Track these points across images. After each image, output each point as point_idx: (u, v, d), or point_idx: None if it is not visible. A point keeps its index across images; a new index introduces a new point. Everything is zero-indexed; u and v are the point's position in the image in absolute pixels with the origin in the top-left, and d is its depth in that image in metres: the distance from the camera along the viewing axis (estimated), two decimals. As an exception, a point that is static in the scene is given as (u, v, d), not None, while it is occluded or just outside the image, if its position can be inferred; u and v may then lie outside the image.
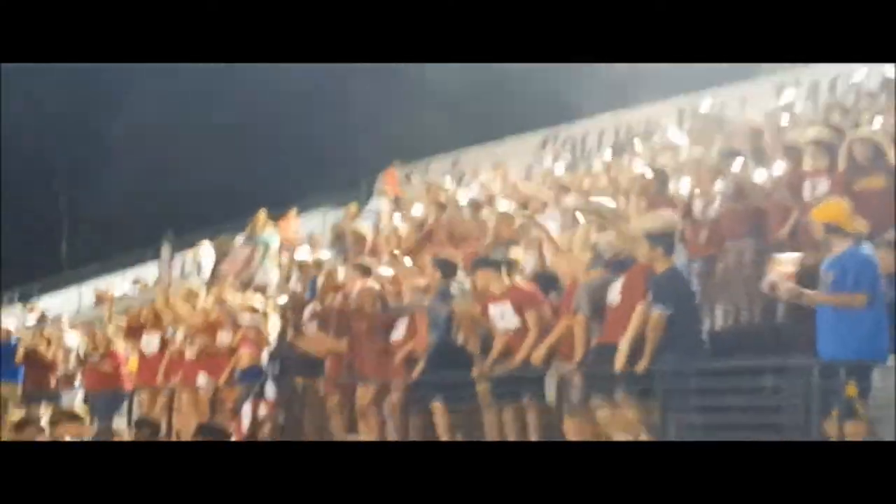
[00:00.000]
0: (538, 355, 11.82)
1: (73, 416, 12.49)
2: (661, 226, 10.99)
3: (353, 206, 27.74)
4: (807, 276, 9.85)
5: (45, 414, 17.93)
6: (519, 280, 12.52)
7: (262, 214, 26.66)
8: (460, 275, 13.62)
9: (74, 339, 20.31)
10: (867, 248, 9.74)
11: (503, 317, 12.13)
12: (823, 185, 12.31)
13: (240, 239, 33.32)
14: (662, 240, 10.79)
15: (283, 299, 16.98)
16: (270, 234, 24.61)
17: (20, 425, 13.30)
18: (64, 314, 25.19)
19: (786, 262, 9.81)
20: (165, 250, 17.86)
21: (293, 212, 28.67)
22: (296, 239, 25.37)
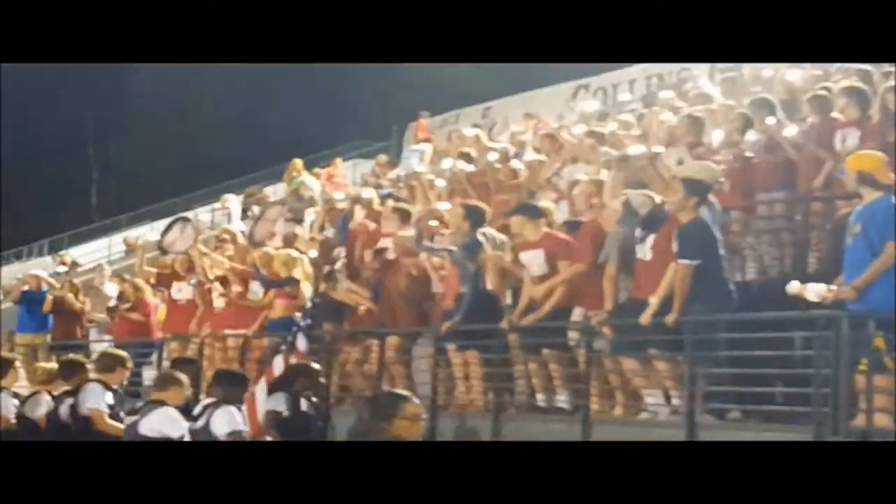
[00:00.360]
0: (556, 300, 11.83)
1: (118, 359, 12.57)
2: (705, 175, 10.94)
3: (382, 157, 27.68)
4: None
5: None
6: (554, 229, 12.49)
7: (297, 162, 26.69)
8: (487, 226, 13.58)
9: (113, 289, 20.31)
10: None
11: (534, 264, 12.10)
12: (854, 136, 12.23)
13: (270, 190, 33.42)
14: (696, 190, 10.72)
15: (313, 252, 16.96)
16: (309, 180, 24.53)
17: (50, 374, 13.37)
18: (104, 263, 25.28)
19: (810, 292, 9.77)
20: (178, 229, 17.68)
21: (338, 160, 28.62)
22: (344, 186, 25.27)
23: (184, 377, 11.35)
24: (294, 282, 15.64)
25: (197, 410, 10.78)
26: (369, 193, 18.23)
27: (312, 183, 24.28)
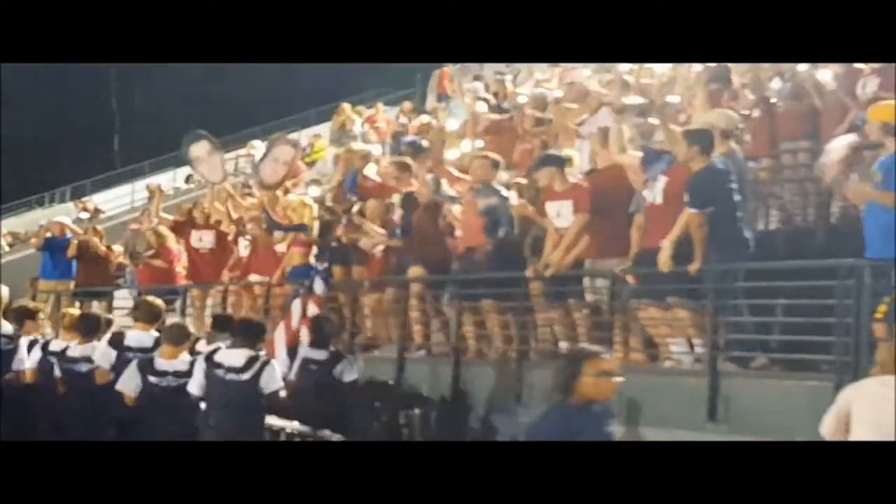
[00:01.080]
0: (559, 257, 11.89)
1: (152, 309, 12.67)
2: (724, 123, 10.91)
3: (406, 104, 27.66)
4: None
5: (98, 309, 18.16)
6: (580, 179, 12.47)
7: (345, 106, 26.73)
8: (503, 175, 13.58)
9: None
10: None
11: (559, 214, 12.10)
12: (874, 83, 12.20)
13: (294, 136, 33.38)
14: (699, 138, 10.71)
15: (325, 196, 16.96)
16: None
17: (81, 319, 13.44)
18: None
19: (836, 149, 9.76)
20: (199, 147, 17.42)
21: (380, 105, 28.58)
22: (385, 131, 25.22)
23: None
24: (304, 228, 15.64)
25: (236, 362, 10.89)
26: (377, 149, 18.16)
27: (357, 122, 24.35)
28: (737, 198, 10.72)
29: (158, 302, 12.91)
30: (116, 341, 12.30)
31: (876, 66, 12.34)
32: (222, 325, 12.77)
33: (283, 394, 11.05)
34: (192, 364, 11.22)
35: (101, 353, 12.30)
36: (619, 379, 6.77)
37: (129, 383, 11.46)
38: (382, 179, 16.17)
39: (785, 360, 10.22)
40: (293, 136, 28.61)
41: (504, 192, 13.10)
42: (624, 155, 11.75)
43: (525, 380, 12.15)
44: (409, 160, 15.56)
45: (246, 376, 10.77)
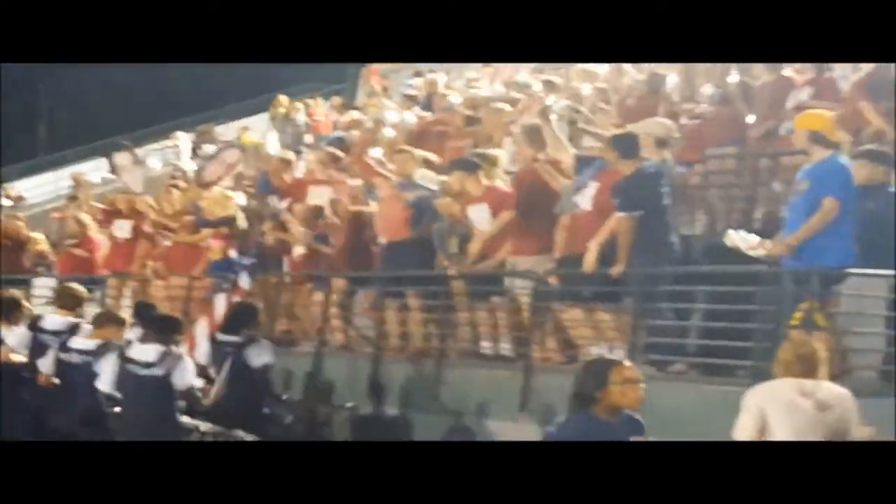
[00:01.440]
0: (475, 249, 11.91)
1: (73, 295, 12.52)
2: (660, 132, 10.91)
3: (336, 99, 27.49)
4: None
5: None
6: (497, 182, 12.42)
7: (282, 98, 26.58)
8: (419, 172, 13.54)
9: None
10: (843, 159, 9.70)
11: (481, 219, 12.06)
12: (805, 93, 12.27)
13: (221, 130, 33.15)
14: (621, 143, 10.71)
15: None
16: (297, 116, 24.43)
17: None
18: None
19: (744, 244, 9.81)
20: (122, 157, 17.58)
21: (319, 98, 28.40)
22: (323, 125, 25.10)
23: (120, 316, 11.41)
24: (229, 221, 15.53)
25: (148, 357, 10.70)
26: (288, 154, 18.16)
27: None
28: (666, 202, 10.72)
29: (80, 289, 12.78)
30: (33, 324, 12.16)
31: (810, 76, 12.41)
32: (144, 312, 12.62)
33: (197, 389, 10.88)
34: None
35: (17, 335, 12.15)
36: (643, 385, 6.70)
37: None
38: (309, 171, 16.08)
39: (703, 365, 10.21)
40: (219, 129, 28.57)
41: (431, 186, 13.04)
42: (556, 153, 11.72)
43: (443, 378, 12.09)
44: (339, 153, 15.54)
45: (158, 371, 10.58)
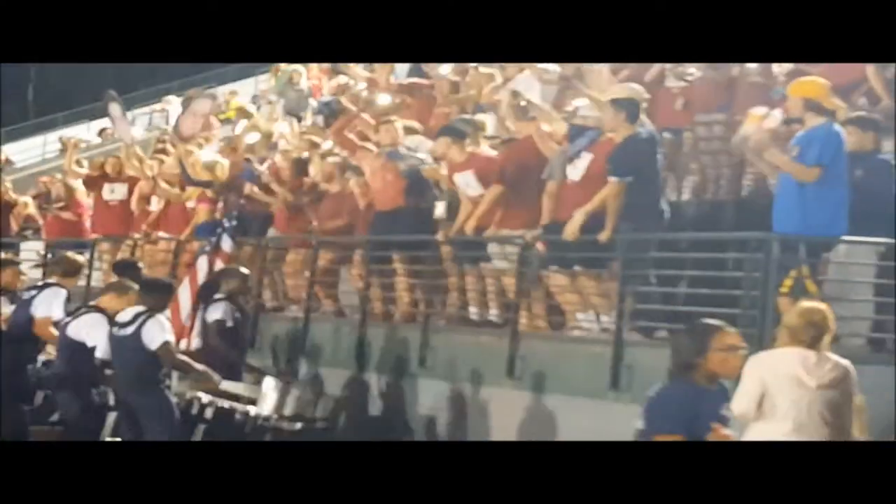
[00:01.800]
0: (470, 225, 11.84)
1: (78, 265, 12.54)
2: (627, 95, 10.83)
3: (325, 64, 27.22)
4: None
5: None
6: (481, 148, 12.37)
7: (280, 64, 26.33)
8: (410, 139, 13.51)
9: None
10: (837, 126, 9.65)
11: (468, 185, 12.03)
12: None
13: (211, 92, 32.95)
14: (626, 106, 10.64)
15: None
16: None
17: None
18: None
19: (767, 118, 9.75)
20: (114, 108, 17.48)
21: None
22: (318, 87, 24.90)
23: (129, 284, 11.37)
24: (212, 184, 15.48)
25: (125, 318, 10.69)
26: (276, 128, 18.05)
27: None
28: (658, 169, 10.71)
29: (79, 257, 12.91)
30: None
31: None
32: (124, 270, 12.61)
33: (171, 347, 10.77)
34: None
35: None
36: (743, 353, 6.53)
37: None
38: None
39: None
40: (209, 92, 28.29)
41: (421, 155, 13.01)
42: (544, 124, 11.66)
43: (430, 344, 12.10)
44: (316, 138, 15.46)
45: (130, 330, 10.56)
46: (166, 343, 10.52)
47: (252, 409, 11.16)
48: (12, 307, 12.59)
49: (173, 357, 10.63)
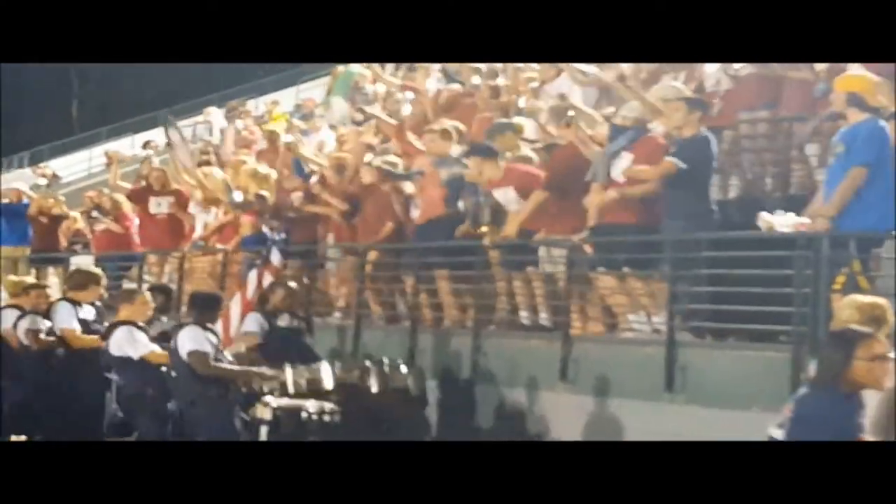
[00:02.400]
0: (510, 231, 11.92)
1: (91, 276, 12.64)
2: (672, 95, 10.84)
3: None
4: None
5: (54, 275, 18.07)
6: (522, 153, 12.38)
7: (340, 68, 26.22)
8: (455, 148, 13.53)
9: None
10: (882, 122, 9.58)
11: (508, 201, 12.07)
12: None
13: (252, 104, 33.10)
14: (700, 105, 10.69)
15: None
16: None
17: (28, 288, 13.41)
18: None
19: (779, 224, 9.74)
20: (173, 133, 17.71)
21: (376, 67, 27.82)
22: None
23: (145, 294, 11.49)
24: (261, 198, 15.53)
25: (171, 329, 10.89)
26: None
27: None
28: (711, 170, 10.78)
29: (92, 270, 13.12)
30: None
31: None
32: (160, 294, 12.74)
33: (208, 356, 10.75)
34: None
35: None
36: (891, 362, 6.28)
37: None
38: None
39: (742, 331, 10.18)
40: (251, 104, 28.41)
41: (466, 161, 13.02)
42: (589, 127, 11.68)
43: (483, 349, 12.12)
44: (371, 139, 15.48)
45: (172, 343, 10.80)
46: (195, 352, 10.60)
47: (312, 406, 11.07)
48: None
49: (206, 366, 10.67)
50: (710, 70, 13.05)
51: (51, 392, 12.29)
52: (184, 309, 12.37)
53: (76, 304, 12.37)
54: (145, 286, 14.56)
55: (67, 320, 12.24)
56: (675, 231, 10.46)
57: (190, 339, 10.62)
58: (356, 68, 24.05)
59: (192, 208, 17.46)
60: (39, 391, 12.47)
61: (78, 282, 12.59)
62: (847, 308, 7.36)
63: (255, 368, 11.05)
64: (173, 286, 15.35)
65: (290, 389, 11.12)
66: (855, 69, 10.11)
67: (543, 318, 11.94)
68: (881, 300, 7.42)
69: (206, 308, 11.04)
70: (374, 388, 11.38)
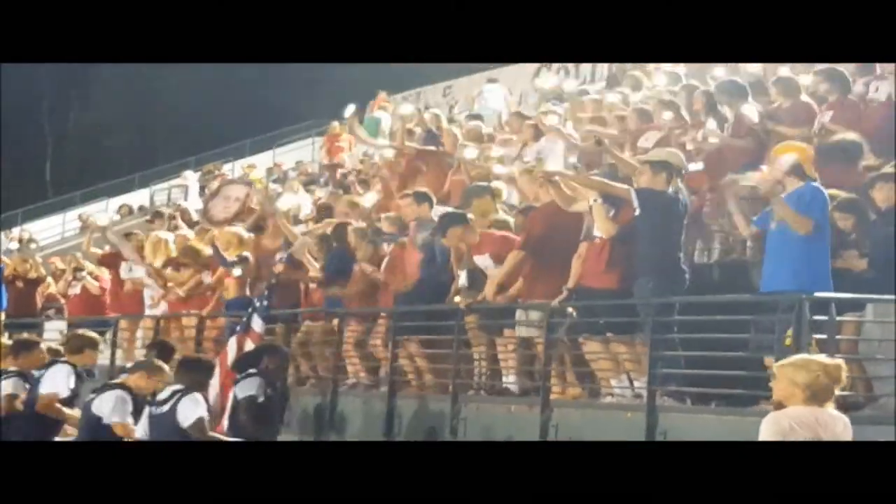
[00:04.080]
0: (490, 292, 11.87)
1: (88, 340, 12.47)
2: (674, 161, 10.87)
3: (336, 126, 27.08)
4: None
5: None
6: (498, 218, 12.34)
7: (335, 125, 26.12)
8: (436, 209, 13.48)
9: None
10: (818, 185, 9.81)
11: (486, 266, 12.04)
12: (827, 116, 12.25)
13: (228, 167, 33.11)
14: (664, 167, 10.68)
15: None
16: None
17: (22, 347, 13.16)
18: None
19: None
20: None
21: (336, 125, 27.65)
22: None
23: (160, 364, 11.33)
24: (245, 261, 15.40)
25: (164, 395, 10.66)
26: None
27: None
28: (681, 234, 10.79)
29: (90, 335, 12.76)
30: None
31: (832, 100, 12.40)
32: (161, 351, 12.58)
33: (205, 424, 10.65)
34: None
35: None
36: None
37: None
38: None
39: (723, 395, 10.12)
40: (227, 167, 28.38)
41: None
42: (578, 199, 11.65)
43: (461, 414, 12.02)
44: (359, 199, 15.45)
45: (166, 408, 10.52)
46: (200, 419, 10.39)
47: None
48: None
49: (205, 434, 10.53)
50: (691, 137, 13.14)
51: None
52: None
53: (74, 367, 12.20)
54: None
55: (61, 386, 11.98)
56: (646, 288, 10.42)
57: (195, 406, 10.40)
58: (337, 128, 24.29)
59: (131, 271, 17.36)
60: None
61: (75, 346, 12.38)
62: (809, 370, 7.21)
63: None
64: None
65: None
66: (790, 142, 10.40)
67: (518, 383, 11.86)
68: (840, 362, 7.31)
69: (198, 374, 10.91)
70: None
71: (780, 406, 7.05)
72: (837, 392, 6.91)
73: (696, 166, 12.84)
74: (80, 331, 13.08)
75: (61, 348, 13.02)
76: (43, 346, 13.05)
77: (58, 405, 11.69)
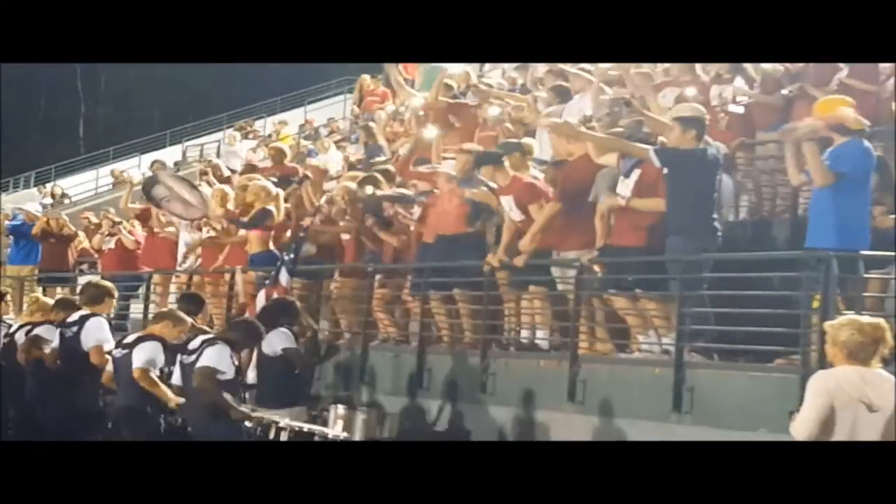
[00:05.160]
0: (526, 243, 11.82)
1: (105, 289, 12.56)
2: (689, 114, 10.83)
3: (365, 78, 26.96)
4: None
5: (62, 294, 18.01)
6: (523, 172, 12.39)
7: (365, 78, 26.14)
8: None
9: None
10: (867, 143, 9.73)
11: (510, 209, 12.07)
12: (845, 72, 12.22)
13: (260, 123, 33.14)
14: (693, 124, 10.65)
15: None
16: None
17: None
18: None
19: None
20: (159, 190, 17.13)
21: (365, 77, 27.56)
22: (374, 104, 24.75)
23: (182, 315, 11.44)
24: (268, 214, 15.41)
25: (195, 345, 10.81)
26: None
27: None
28: (715, 191, 10.75)
29: (105, 283, 12.96)
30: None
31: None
32: (190, 302, 12.69)
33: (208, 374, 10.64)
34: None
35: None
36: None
37: None
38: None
39: (751, 352, 10.17)
40: (258, 123, 28.33)
41: (490, 184, 12.91)
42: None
43: (490, 369, 12.10)
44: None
45: (194, 357, 10.65)
46: (205, 368, 10.53)
47: (329, 432, 10.93)
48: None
49: (207, 383, 10.55)
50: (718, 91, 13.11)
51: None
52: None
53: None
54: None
55: (106, 337, 12.09)
56: (677, 246, 10.45)
57: (210, 357, 10.55)
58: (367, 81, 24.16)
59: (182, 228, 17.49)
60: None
61: (93, 295, 12.42)
62: (846, 329, 7.27)
63: (253, 413, 10.90)
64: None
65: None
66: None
67: (549, 338, 11.93)
68: (881, 321, 7.37)
69: (248, 337, 11.07)
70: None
71: (831, 366, 7.17)
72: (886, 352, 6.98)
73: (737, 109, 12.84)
74: (94, 280, 13.13)
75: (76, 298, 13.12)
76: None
77: (105, 356, 11.81)
